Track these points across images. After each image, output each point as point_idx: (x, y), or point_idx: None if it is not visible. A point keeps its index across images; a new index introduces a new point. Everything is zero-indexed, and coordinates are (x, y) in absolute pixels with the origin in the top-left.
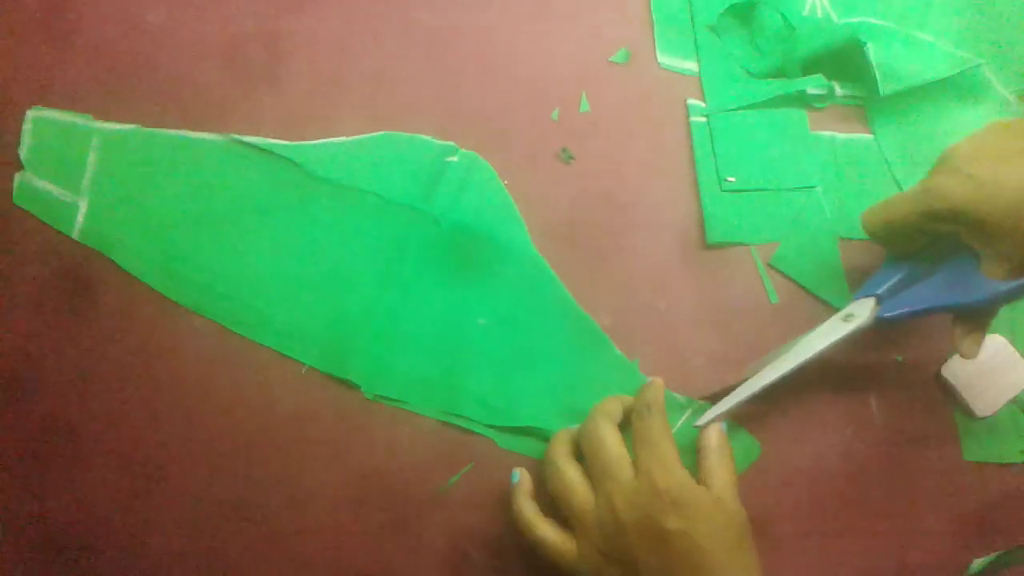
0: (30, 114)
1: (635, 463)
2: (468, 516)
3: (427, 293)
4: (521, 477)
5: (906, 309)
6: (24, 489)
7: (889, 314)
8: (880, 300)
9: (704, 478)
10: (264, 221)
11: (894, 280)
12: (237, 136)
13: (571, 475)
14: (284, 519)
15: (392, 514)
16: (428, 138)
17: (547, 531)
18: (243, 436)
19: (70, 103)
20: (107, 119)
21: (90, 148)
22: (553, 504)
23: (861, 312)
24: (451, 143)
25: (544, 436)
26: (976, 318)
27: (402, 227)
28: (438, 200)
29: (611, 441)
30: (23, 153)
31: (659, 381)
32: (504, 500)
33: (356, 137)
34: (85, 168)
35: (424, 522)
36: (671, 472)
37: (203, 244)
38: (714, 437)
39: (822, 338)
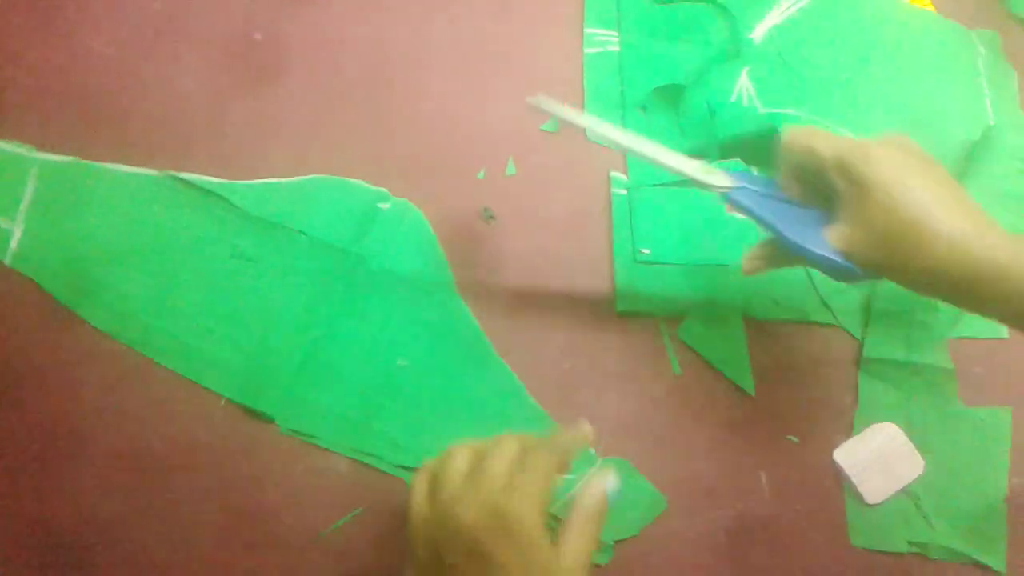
0: None
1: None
2: (355, 560)
3: (350, 332)
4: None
5: (752, 207)
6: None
7: (736, 198)
8: (740, 188)
9: (563, 537)
10: (192, 255)
11: (764, 187)
12: (172, 172)
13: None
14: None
15: (283, 553)
16: (361, 183)
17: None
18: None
19: (12, 131)
20: (47, 149)
21: (28, 177)
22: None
23: (721, 179)
24: (383, 189)
25: None
26: (784, 259)
27: (329, 267)
28: (367, 243)
29: (460, 457)
30: None
31: (587, 429)
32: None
33: (291, 179)
34: (23, 196)
35: (311, 565)
36: (532, 507)
37: (130, 275)
38: (594, 498)
39: (675, 158)
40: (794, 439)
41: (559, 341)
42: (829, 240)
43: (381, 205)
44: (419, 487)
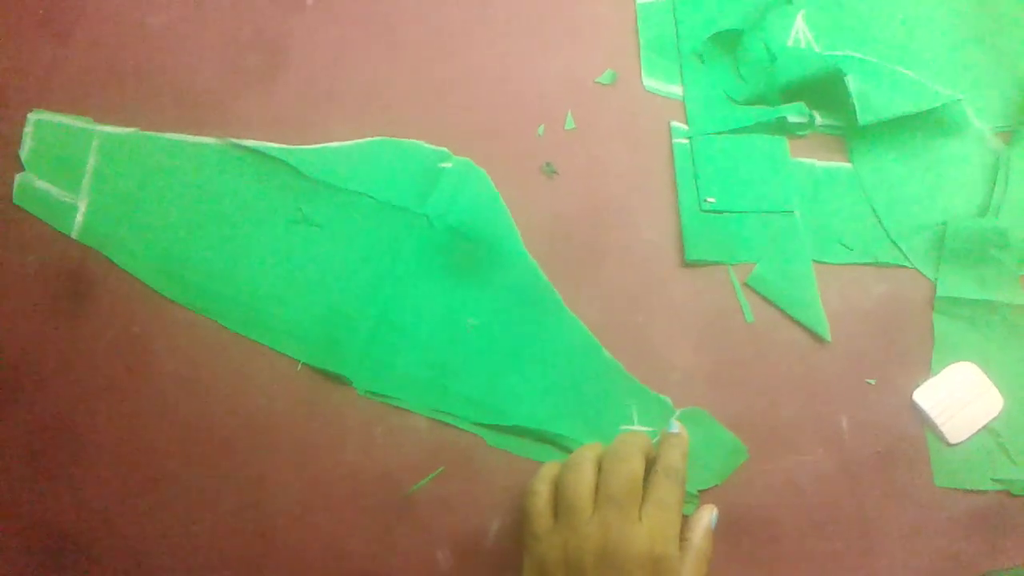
0: (31, 116)
1: (640, 508)
2: (439, 519)
3: (420, 293)
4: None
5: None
6: (24, 489)
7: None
8: None
9: None
10: (260, 222)
11: None
12: (234, 140)
13: (543, 498)
14: (285, 518)
15: (366, 515)
16: (422, 143)
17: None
18: (237, 433)
19: (70, 105)
20: (107, 122)
21: (90, 150)
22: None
23: None
24: (444, 149)
25: (534, 436)
26: None
27: (396, 229)
28: (432, 203)
29: (587, 480)
30: (24, 154)
31: (684, 436)
32: (482, 503)
33: (351, 142)
34: (85, 169)
35: (394, 526)
36: (674, 546)
37: (200, 245)
38: (704, 539)
39: None
40: (872, 382)
41: (629, 294)
42: None
43: (443, 165)
44: (541, 493)
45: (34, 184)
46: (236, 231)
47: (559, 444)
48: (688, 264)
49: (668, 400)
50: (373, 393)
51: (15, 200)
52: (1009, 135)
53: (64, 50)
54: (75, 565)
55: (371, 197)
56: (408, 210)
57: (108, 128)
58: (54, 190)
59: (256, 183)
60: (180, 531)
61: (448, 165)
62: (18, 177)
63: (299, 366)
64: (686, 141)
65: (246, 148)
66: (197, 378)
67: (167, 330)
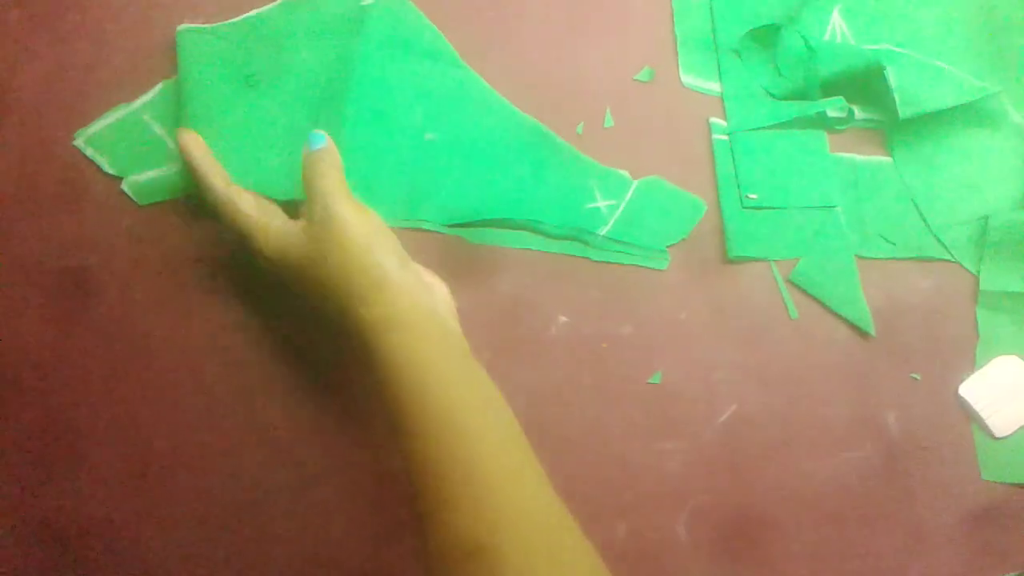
0: (79, 138)
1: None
2: None
3: (377, 121)
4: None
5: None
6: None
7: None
8: None
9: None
10: (214, 94)
11: None
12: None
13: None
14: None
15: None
16: None
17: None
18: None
19: (106, 103)
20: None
21: (147, 123)
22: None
23: None
24: None
25: (512, 225)
26: None
27: (338, 69)
28: (364, 39)
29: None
30: (106, 167)
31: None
32: None
33: (270, 5)
34: (160, 138)
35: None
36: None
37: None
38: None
39: None
40: (917, 377)
41: (672, 292)
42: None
43: (364, 2)
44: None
45: (139, 181)
46: (195, 107)
47: (534, 228)
48: (730, 261)
49: (626, 173)
50: None
51: (141, 203)
52: None
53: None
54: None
55: (309, 46)
56: (346, 47)
57: (145, 97)
58: (155, 173)
59: (210, 63)
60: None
61: (370, 1)
62: (123, 186)
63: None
64: (725, 137)
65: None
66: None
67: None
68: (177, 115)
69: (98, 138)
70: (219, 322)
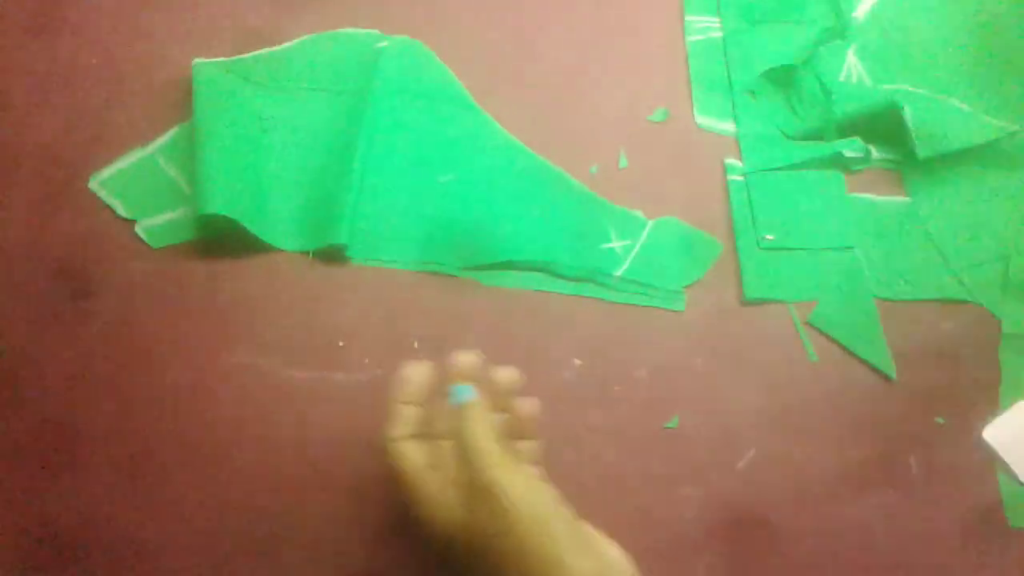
0: (94, 181)
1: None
2: None
3: (391, 163)
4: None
5: None
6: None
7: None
8: None
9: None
10: (227, 134)
11: None
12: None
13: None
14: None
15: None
16: (352, 30)
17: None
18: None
19: (121, 147)
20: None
21: (161, 167)
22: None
23: None
24: (375, 30)
25: (527, 267)
26: None
27: (355, 111)
28: (379, 80)
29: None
30: (120, 211)
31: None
32: None
33: (288, 43)
34: (174, 182)
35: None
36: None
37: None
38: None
39: None
40: (940, 420)
41: (688, 334)
42: None
43: (379, 45)
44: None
45: (153, 224)
46: (209, 146)
47: (548, 270)
48: (747, 303)
49: (640, 214)
50: (367, 260)
51: (156, 247)
52: None
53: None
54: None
55: (324, 90)
56: (361, 91)
57: (159, 141)
58: (169, 215)
59: (222, 99)
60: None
61: (384, 44)
62: (136, 229)
63: (310, 255)
64: (741, 178)
65: (212, 64)
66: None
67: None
68: (191, 159)
69: (113, 181)
70: (219, 321)
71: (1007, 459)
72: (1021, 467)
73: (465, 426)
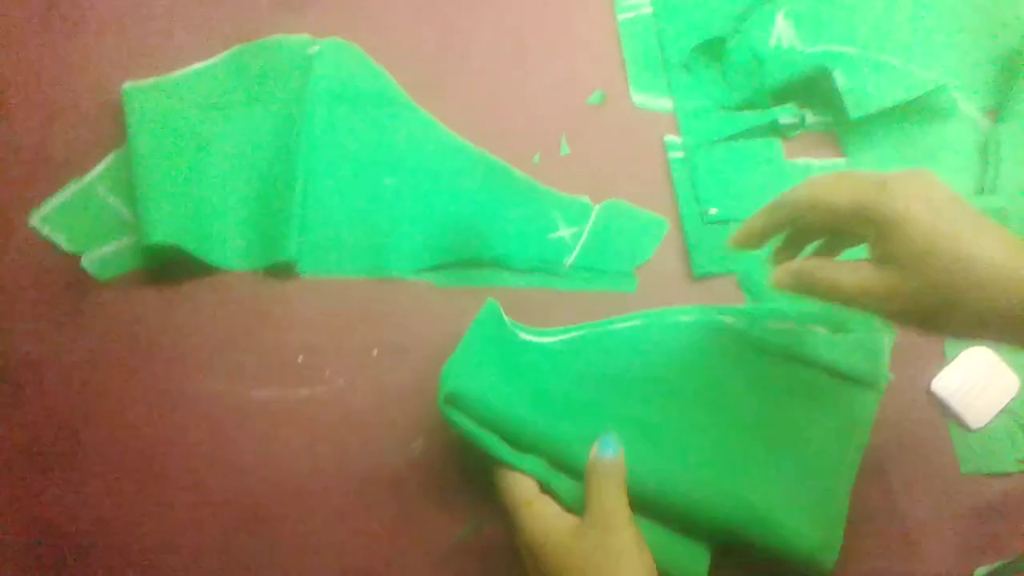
0: (34, 218)
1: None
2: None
3: (333, 170)
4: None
5: None
6: (24, 489)
7: None
8: None
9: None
10: (170, 157)
11: None
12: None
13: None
14: (286, 518)
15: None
16: (280, 36)
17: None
18: (237, 432)
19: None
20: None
21: (101, 196)
22: None
23: None
24: (305, 35)
25: (478, 264)
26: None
27: (292, 122)
28: (313, 86)
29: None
30: (64, 245)
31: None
32: None
33: (215, 58)
34: (115, 210)
35: (400, 524)
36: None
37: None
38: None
39: None
40: (890, 375)
41: None
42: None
43: (311, 50)
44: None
45: (99, 256)
46: (163, 175)
47: (500, 265)
48: (698, 279)
49: (586, 199)
50: (318, 272)
51: (102, 277)
52: (995, 113)
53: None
54: (75, 565)
55: (258, 102)
56: (296, 100)
57: (97, 169)
58: (114, 245)
59: (160, 124)
60: (180, 531)
61: (315, 48)
62: (83, 262)
63: (260, 273)
64: (681, 154)
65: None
66: (213, 344)
67: (168, 330)
68: (131, 185)
69: (54, 216)
70: (174, 350)
71: (956, 408)
72: (969, 415)
73: (602, 482)
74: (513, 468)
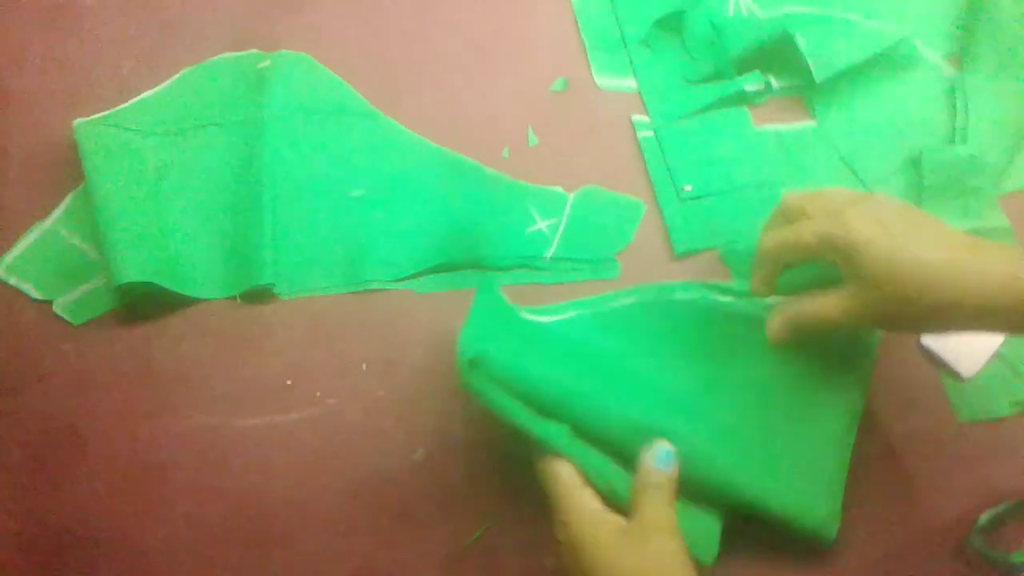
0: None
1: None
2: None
3: (298, 185)
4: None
5: None
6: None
7: None
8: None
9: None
10: (125, 187)
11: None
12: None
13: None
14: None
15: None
16: (228, 54)
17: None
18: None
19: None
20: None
21: (65, 238)
22: None
23: None
24: (254, 50)
25: (458, 266)
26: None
27: (251, 139)
28: (268, 102)
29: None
30: (34, 294)
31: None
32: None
33: (165, 83)
34: (81, 251)
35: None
36: None
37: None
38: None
39: None
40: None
41: None
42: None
43: (261, 65)
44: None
45: (66, 301)
46: (108, 204)
47: (480, 265)
48: (679, 257)
49: (560, 189)
50: (295, 293)
51: (76, 323)
52: (957, 59)
53: None
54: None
55: (214, 124)
56: (253, 119)
57: (56, 211)
58: (85, 287)
59: (116, 157)
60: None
61: (266, 63)
62: (57, 310)
63: (237, 299)
64: (651, 133)
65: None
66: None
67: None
68: (93, 224)
69: (19, 264)
70: (158, 387)
71: (947, 359)
72: (961, 364)
73: (654, 492)
74: (535, 435)
